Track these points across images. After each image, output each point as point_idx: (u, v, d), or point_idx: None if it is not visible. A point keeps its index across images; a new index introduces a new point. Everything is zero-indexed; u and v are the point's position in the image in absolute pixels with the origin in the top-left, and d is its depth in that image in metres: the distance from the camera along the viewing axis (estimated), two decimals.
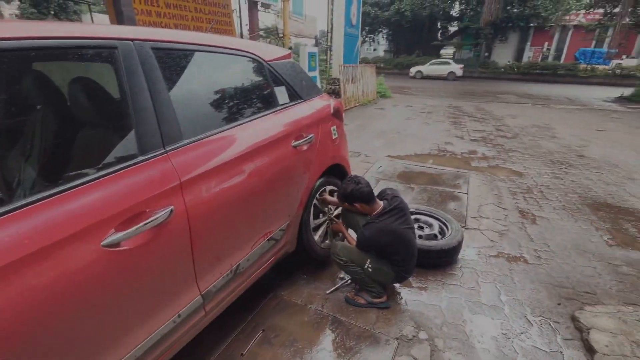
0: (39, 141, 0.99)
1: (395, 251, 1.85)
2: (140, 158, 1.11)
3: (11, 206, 0.82)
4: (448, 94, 13.67)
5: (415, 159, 4.87)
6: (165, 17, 5.26)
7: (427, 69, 21.51)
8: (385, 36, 30.88)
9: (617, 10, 15.76)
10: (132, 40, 1.18)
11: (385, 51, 33.60)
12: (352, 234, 2.13)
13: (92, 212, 0.95)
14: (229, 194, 1.39)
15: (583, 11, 19.56)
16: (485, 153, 5.21)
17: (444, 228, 2.55)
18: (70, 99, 1.15)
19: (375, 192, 2.06)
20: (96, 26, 1.16)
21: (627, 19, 15.55)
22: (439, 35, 28.76)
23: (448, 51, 31.10)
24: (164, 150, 1.18)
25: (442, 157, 4.95)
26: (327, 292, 2.09)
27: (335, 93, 9.03)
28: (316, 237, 2.19)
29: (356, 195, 1.90)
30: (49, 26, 1.02)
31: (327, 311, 1.94)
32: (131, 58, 1.16)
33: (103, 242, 0.95)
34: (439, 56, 27.92)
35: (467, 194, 3.61)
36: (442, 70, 21.05)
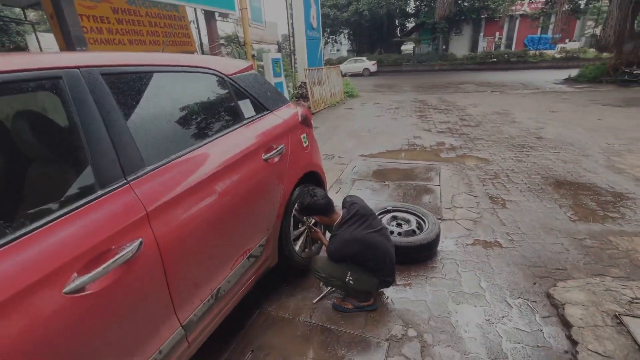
0: None
1: (366, 258, 1.83)
2: (100, 192, 1.05)
3: None
4: (412, 89, 14.08)
5: (387, 155, 4.96)
6: (118, 34, 5.04)
7: (345, 67, 23.11)
8: (346, 36, 31.35)
9: None
10: (77, 67, 1.11)
11: (348, 51, 34.11)
12: None
13: (49, 258, 0.87)
14: (201, 217, 1.34)
15: (527, 1, 20.84)
16: (452, 143, 5.40)
17: (422, 222, 2.61)
18: (15, 135, 1.06)
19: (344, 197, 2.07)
20: (36, 55, 1.08)
21: (566, 6, 16.75)
22: (398, 32, 29.59)
23: (408, 47, 32.11)
24: (125, 181, 1.12)
25: (412, 152, 5.08)
26: (314, 301, 2.07)
27: (303, 97, 9.05)
28: (297, 248, 2.17)
29: (313, 208, 1.90)
30: None
31: (315, 321, 1.92)
32: (78, 87, 1.09)
33: (65, 289, 0.88)
34: (400, 52, 28.75)
35: (439, 185, 3.72)
36: (358, 67, 23.12)
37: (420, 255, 2.36)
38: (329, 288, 2.15)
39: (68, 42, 3.90)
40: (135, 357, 1.09)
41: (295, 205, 2.10)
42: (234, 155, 1.57)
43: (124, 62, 1.28)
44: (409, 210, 2.76)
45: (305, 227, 2.27)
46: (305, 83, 9.02)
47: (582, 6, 19.02)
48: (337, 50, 36.30)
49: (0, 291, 0.78)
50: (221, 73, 1.73)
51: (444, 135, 5.99)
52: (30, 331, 0.81)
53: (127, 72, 1.28)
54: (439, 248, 2.51)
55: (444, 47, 27.71)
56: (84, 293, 0.92)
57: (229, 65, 1.84)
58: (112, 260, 0.97)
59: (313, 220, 2.34)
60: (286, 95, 8.49)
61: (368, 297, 1.96)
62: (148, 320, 1.14)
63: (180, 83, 1.53)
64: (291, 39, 10.02)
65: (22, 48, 13.62)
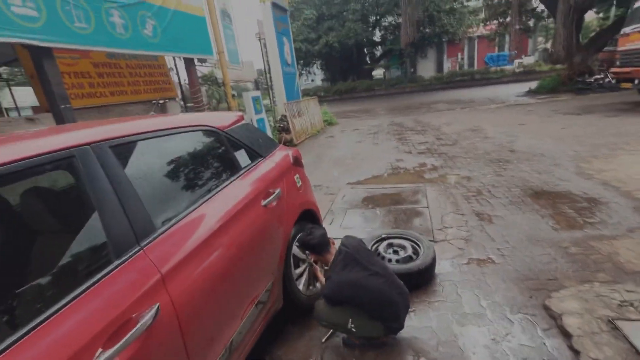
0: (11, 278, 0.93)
1: (362, 302, 1.79)
2: (117, 262, 1.08)
3: None
4: (387, 112, 14.68)
5: (373, 181, 5.11)
6: (99, 87, 5.13)
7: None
8: (319, 67, 32.69)
9: (508, 19, 18.52)
10: (88, 144, 1.17)
11: (322, 80, 35.43)
12: None
13: (73, 337, 0.89)
14: (211, 271, 1.38)
15: (482, 24, 22.66)
16: (433, 163, 5.64)
17: (417, 247, 2.69)
18: (27, 213, 1.09)
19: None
20: (49, 137, 1.14)
21: (517, 26, 18.31)
22: (367, 59, 31.16)
23: (379, 72, 33.73)
24: (139, 247, 1.16)
25: (397, 175, 5.26)
26: (323, 340, 2.07)
27: (285, 130, 9.27)
28: (301, 287, 2.19)
29: (307, 246, 1.99)
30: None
31: None
32: (90, 162, 1.15)
33: None
34: (371, 78, 30.13)
35: (427, 207, 3.85)
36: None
37: (420, 281, 2.43)
38: None
39: (51, 101, 3.94)
40: None
41: (295, 242, 2.16)
42: (235, 206, 1.63)
43: (129, 131, 1.36)
44: (403, 236, 2.85)
45: (306, 264, 2.31)
46: (285, 116, 9.29)
47: (531, 26, 20.82)
48: (312, 80, 37.61)
49: None
50: (216, 128, 1.83)
51: (425, 156, 6.25)
52: None
53: (132, 140, 1.35)
54: (436, 271, 2.59)
55: (412, 70, 29.32)
56: None
57: (222, 119, 1.94)
58: (133, 330, 0.99)
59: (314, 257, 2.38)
60: (268, 129, 8.68)
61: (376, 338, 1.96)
62: None
63: (180, 143, 1.61)
64: (268, 75, 10.43)
65: None
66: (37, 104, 5.60)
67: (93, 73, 5.08)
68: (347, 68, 29.77)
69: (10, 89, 9.28)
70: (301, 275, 2.27)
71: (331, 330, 2.13)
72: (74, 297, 0.95)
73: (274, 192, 1.94)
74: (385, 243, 2.80)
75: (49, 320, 0.88)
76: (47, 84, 3.82)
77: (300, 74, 29.82)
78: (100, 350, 0.93)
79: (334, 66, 30.43)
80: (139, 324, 1.01)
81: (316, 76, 37.09)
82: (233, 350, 1.49)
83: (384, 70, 32.09)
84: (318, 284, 2.38)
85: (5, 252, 0.95)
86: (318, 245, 1.96)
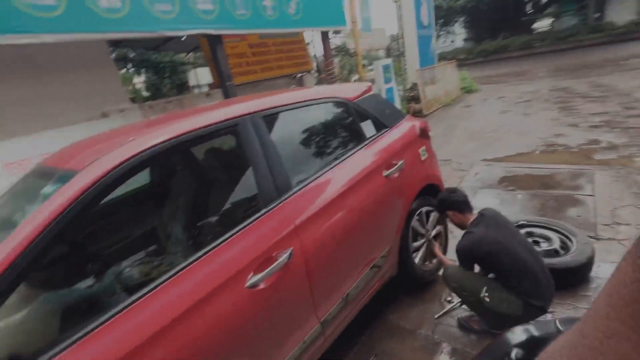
0: (209, 211, 1.31)
1: (500, 262, 1.66)
2: (264, 210, 1.35)
3: (180, 266, 1.11)
4: (549, 74, 11.81)
5: (517, 159, 4.36)
6: (252, 65, 6.07)
7: None
8: (462, 25, 28.60)
9: None
10: (247, 114, 1.46)
11: (464, 40, 31.01)
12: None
13: (237, 261, 1.20)
14: (334, 229, 1.55)
15: None
16: (612, 141, 4.33)
17: (567, 241, 2.23)
18: (209, 170, 1.48)
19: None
20: (223, 109, 1.47)
21: None
22: (529, 8, 25.26)
23: (543, 23, 26.95)
24: (279, 200, 1.41)
25: (552, 154, 4.31)
26: (436, 316, 2.05)
27: (415, 99, 8.78)
28: (417, 260, 2.19)
29: (448, 202, 1.94)
30: (193, 120, 1.35)
31: (438, 337, 1.91)
32: (248, 129, 1.43)
33: (247, 284, 1.19)
34: (530, 32, 24.50)
35: (592, 195, 3.06)
36: None
37: (565, 280, 2.03)
38: (452, 304, 2.09)
39: (221, 78, 4.93)
40: (289, 342, 1.36)
41: (416, 217, 2.14)
42: (358, 174, 1.74)
43: (275, 104, 1.60)
44: (549, 226, 2.40)
45: (425, 239, 2.27)
46: (416, 84, 8.74)
47: None
48: (452, 41, 33.41)
49: (208, 285, 1.12)
50: (346, 99, 1.93)
51: (599, 130, 4.85)
52: (225, 312, 1.14)
53: (277, 112, 1.59)
54: (592, 274, 2.10)
55: (598, 15, 22.07)
56: (257, 288, 1.22)
57: (351, 90, 2.03)
58: (275, 264, 1.25)
59: (433, 234, 2.31)
60: (397, 99, 8.40)
61: (502, 326, 1.80)
62: (297, 314, 1.40)
63: (314, 114, 1.80)
64: (400, 40, 9.90)
65: (184, 82, 17.57)
66: (211, 81, 7.10)
67: (249, 53, 6.03)
68: (497, 23, 25.00)
69: (195, 70, 11.99)
70: (418, 249, 2.25)
71: (447, 308, 2.08)
72: (237, 231, 1.25)
73: (396, 164, 1.95)
74: (523, 231, 2.42)
75: (219, 246, 1.20)
76: (218, 65, 4.77)
77: (438, 36, 26.93)
78: (252, 274, 1.22)
79: (481, 22, 26.05)
80: (278, 261, 1.27)
81: (456, 36, 32.70)
82: (349, 301, 1.67)
83: (552, 19, 25.39)
84: (435, 261, 2.32)
85: (195, 195, 1.33)
86: (462, 203, 1.91)
